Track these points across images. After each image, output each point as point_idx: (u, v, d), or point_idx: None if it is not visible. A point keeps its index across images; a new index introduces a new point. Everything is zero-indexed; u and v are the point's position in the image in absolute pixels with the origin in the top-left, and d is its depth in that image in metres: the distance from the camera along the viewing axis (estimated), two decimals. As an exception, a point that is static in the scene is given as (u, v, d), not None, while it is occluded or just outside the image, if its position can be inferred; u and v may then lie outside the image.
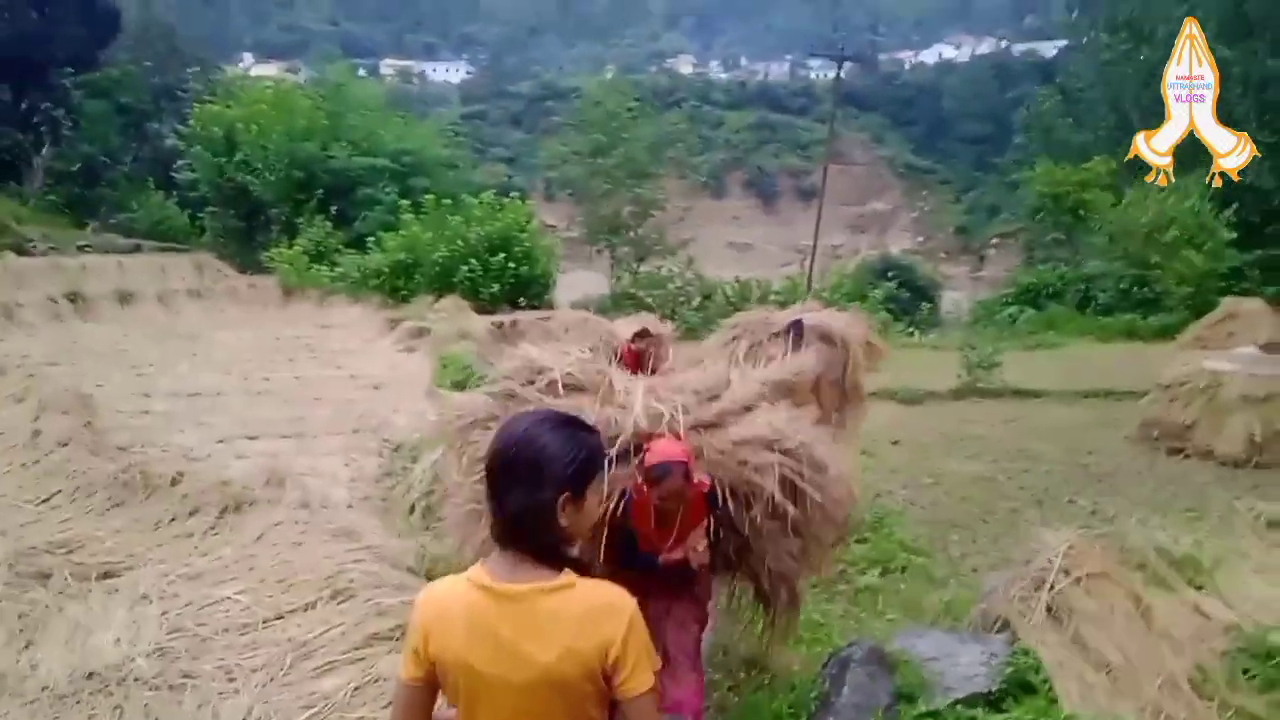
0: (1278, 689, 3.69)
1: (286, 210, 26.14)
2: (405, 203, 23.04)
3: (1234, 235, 22.89)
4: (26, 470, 7.31)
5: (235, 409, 10.61)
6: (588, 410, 3.56)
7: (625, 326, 8.13)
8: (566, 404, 3.62)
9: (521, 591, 1.65)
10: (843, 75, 38.75)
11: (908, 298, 27.49)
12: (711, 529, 3.44)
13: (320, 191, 25.82)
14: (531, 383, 3.82)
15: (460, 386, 9.36)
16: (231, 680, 4.26)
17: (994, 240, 51.72)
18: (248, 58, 70.71)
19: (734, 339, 7.06)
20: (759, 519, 3.54)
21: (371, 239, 22.83)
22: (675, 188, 44.64)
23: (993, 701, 3.36)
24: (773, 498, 3.48)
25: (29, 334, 15.04)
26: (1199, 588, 4.32)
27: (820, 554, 4.03)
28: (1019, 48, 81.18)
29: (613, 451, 3.39)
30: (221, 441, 8.96)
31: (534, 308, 19.61)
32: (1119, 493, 8.23)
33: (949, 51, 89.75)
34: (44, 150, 27.10)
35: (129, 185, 28.38)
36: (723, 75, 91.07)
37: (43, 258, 18.94)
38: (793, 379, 4.35)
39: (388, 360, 14.59)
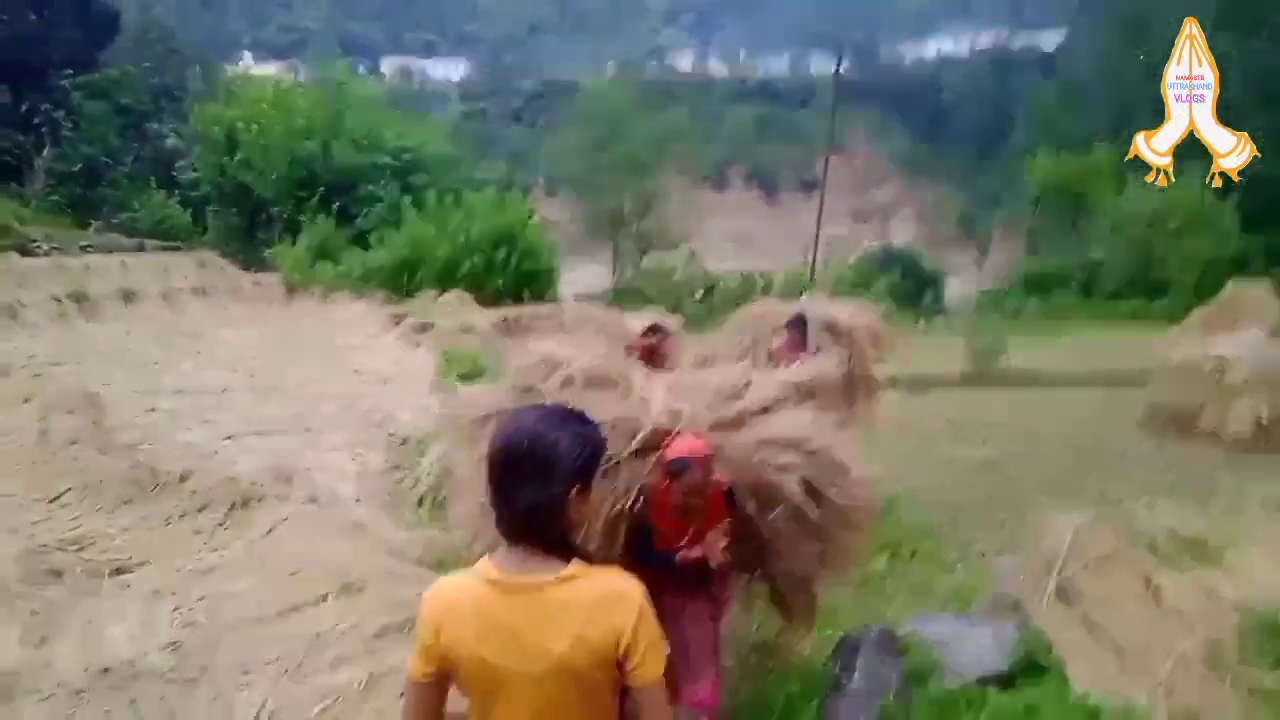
0: (1289, 666, 3.69)
1: (288, 208, 26.20)
2: (407, 199, 23.06)
3: (1238, 221, 22.85)
4: (35, 469, 7.32)
5: (241, 406, 10.61)
6: (609, 405, 3.52)
7: (636, 321, 8.11)
8: (586, 399, 3.59)
9: (532, 583, 1.66)
10: (842, 69, 38.70)
11: (911, 287, 27.48)
12: (730, 529, 3.38)
13: (322, 189, 25.86)
14: (550, 377, 3.77)
15: (467, 380, 9.36)
16: (246, 674, 4.28)
17: (997, 229, 51.55)
18: (247, 57, 70.60)
19: (741, 335, 7.05)
20: (779, 521, 3.50)
21: (374, 236, 22.85)
22: (676, 182, 44.60)
23: (1004, 682, 3.36)
24: (793, 499, 3.43)
25: (33, 334, 15.03)
26: (1209, 568, 4.31)
27: (840, 559, 3.93)
28: (1019, 40, 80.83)
29: (633, 446, 3.38)
30: (229, 438, 8.95)
31: (537, 302, 19.64)
32: (1126, 477, 8.22)
33: (948, 44, 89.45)
34: (45, 151, 27.10)
35: (130, 185, 28.39)
36: (723, 70, 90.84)
37: (46, 258, 18.92)
38: (816, 380, 4.28)
39: (392, 356, 14.58)
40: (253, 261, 25.10)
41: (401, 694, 1.76)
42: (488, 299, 19.33)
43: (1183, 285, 21.69)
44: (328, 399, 10.99)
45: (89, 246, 21.01)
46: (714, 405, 3.66)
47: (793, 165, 73.20)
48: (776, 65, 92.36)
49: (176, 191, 29.01)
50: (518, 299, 20.00)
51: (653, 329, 6.14)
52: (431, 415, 8.18)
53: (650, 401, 3.56)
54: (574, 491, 1.69)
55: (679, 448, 3.24)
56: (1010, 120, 50.57)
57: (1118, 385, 12.49)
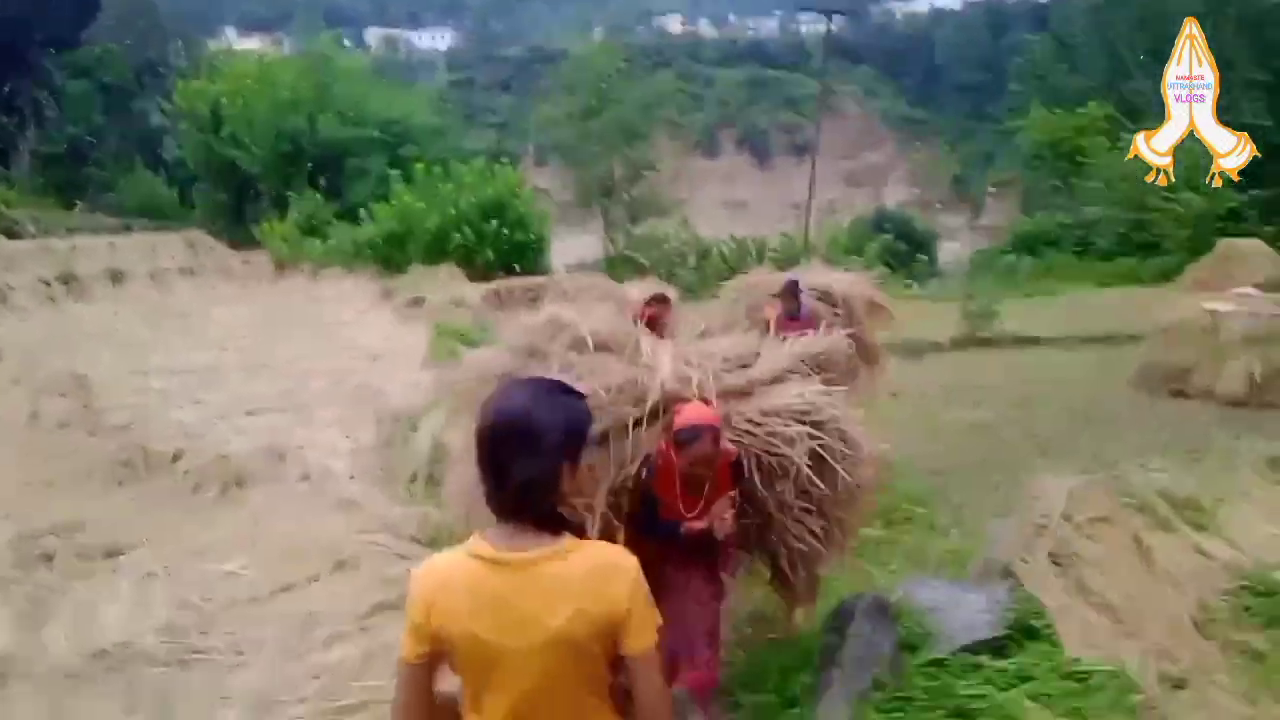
0: (1280, 625, 3.70)
1: (276, 184, 25.95)
2: (395, 172, 22.84)
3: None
4: (26, 453, 7.32)
5: (232, 385, 10.59)
6: (616, 369, 3.49)
7: (635, 290, 8.04)
8: (592, 362, 3.54)
9: (526, 559, 1.64)
10: (833, 28, 38.36)
11: (905, 250, 27.39)
12: (737, 500, 3.33)
13: (309, 164, 25.64)
14: (556, 338, 3.71)
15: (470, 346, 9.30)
16: (240, 654, 4.29)
17: (990, 189, 51.32)
18: (230, 31, 69.73)
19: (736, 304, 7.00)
20: (784, 494, 3.45)
21: (362, 210, 22.68)
22: (667, 148, 44.32)
23: (996, 648, 3.36)
24: (799, 471, 3.37)
25: (22, 317, 14.98)
26: (1201, 528, 4.31)
27: (843, 536, 3.89)
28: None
29: (640, 412, 3.34)
30: (220, 418, 8.95)
31: (529, 273, 19.55)
32: (1120, 437, 8.22)
33: (940, 0, 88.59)
34: (28, 132, 26.82)
35: (115, 164, 28.16)
36: (712, 33, 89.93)
37: (33, 240, 18.83)
38: (827, 352, 4.18)
39: (383, 331, 14.55)
40: (241, 239, 24.89)
41: (397, 671, 1.74)
42: (478, 273, 19.21)
43: (1177, 242, 21.59)
44: (318, 376, 10.97)
45: (76, 229, 20.86)
46: (723, 373, 3.59)
47: (784, 129, 72.72)
48: (766, 27, 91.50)
49: (163, 170, 28.74)
50: (509, 271, 19.89)
51: (656, 298, 6.11)
52: (423, 390, 8.14)
53: (658, 367, 3.49)
54: (564, 465, 1.67)
55: (688, 416, 3.17)
56: (1003, 77, 50.17)
57: (1112, 344, 12.48)
